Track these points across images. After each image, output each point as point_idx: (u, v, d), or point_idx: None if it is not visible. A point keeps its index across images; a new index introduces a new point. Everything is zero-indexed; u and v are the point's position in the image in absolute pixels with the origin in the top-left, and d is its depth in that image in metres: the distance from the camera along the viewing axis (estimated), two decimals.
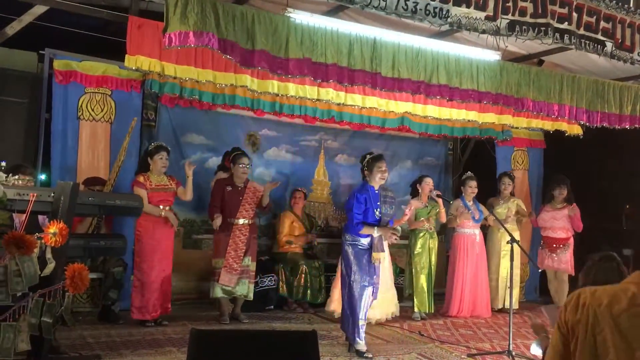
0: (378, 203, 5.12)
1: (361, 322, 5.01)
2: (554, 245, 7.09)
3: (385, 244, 5.28)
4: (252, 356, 2.31)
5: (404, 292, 6.86)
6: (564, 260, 7.03)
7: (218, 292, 5.87)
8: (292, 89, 5.69)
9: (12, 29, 5.69)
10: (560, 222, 7.09)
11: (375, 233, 5.02)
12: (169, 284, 5.76)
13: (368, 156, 5.34)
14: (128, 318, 5.66)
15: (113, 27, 6.13)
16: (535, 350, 2.72)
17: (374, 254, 5.05)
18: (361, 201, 5.05)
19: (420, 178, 6.91)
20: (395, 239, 5.14)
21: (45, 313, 3.04)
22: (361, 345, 4.98)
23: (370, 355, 4.92)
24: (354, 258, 5.07)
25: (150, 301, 5.57)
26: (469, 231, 6.95)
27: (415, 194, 6.91)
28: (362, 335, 5.03)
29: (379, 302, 5.63)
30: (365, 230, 5.03)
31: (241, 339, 2.52)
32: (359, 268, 5.05)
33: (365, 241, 5.08)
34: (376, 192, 5.16)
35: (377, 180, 5.15)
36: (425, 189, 6.75)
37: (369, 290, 5.06)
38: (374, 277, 5.10)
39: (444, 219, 6.91)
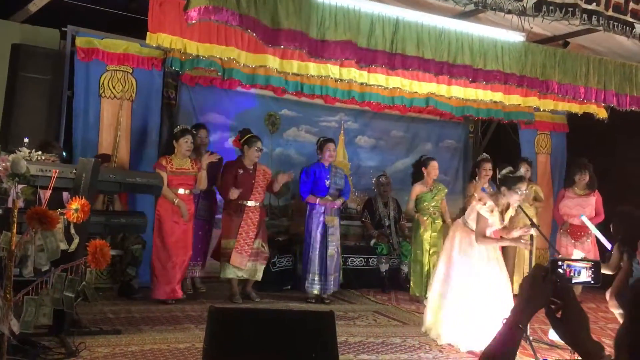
0: (328, 176, 6.23)
1: (311, 276, 6.09)
2: (579, 233, 6.82)
3: (498, 257, 4.97)
4: (270, 334, 2.32)
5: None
6: (587, 249, 6.70)
7: (229, 273, 5.89)
8: (314, 68, 5.63)
9: (35, 5, 5.72)
10: (587, 209, 6.78)
11: (317, 200, 6.15)
12: (185, 267, 5.76)
13: (321, 139, 6.35)
14: (147, 294, 5.72)
15: (135, 4, 6.11)
16: (554, 335, 2.69)
17: (327, 217, 6.14)
18: (309, 174, 6.22)
19: (426, 160, 6.56)
20: (338, 203, 6.26)
21: (67, 288, 3.07)
22: (310, 294, 6.15)
23: (313, 301, 6.08)
24: (312, 223, 6.17)
25: (168, 281, 5.56)
26: None
27: (419, 177, 6.57)
28: (313, 286, 6.09)
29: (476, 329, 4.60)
30: (309, 198, 6.21)
31: (260, 317, 2.55)
32: (316, 232, 6.13)
33: (321, 208, 6.17)
34: (327, 168, 6.24)
35: (326, 158, 6.23)
36: (431, 174, 6.48)
37: (321, 251, 6.11)
38: (328, 237, 6.12)
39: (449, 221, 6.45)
